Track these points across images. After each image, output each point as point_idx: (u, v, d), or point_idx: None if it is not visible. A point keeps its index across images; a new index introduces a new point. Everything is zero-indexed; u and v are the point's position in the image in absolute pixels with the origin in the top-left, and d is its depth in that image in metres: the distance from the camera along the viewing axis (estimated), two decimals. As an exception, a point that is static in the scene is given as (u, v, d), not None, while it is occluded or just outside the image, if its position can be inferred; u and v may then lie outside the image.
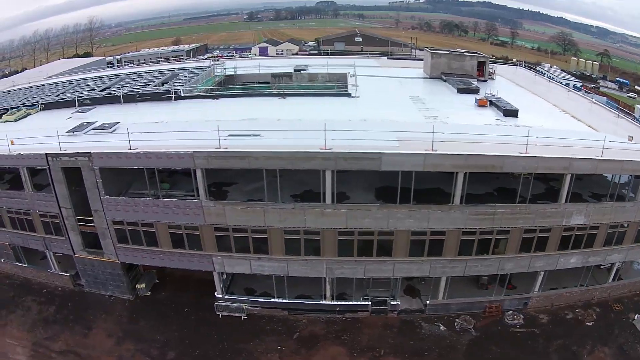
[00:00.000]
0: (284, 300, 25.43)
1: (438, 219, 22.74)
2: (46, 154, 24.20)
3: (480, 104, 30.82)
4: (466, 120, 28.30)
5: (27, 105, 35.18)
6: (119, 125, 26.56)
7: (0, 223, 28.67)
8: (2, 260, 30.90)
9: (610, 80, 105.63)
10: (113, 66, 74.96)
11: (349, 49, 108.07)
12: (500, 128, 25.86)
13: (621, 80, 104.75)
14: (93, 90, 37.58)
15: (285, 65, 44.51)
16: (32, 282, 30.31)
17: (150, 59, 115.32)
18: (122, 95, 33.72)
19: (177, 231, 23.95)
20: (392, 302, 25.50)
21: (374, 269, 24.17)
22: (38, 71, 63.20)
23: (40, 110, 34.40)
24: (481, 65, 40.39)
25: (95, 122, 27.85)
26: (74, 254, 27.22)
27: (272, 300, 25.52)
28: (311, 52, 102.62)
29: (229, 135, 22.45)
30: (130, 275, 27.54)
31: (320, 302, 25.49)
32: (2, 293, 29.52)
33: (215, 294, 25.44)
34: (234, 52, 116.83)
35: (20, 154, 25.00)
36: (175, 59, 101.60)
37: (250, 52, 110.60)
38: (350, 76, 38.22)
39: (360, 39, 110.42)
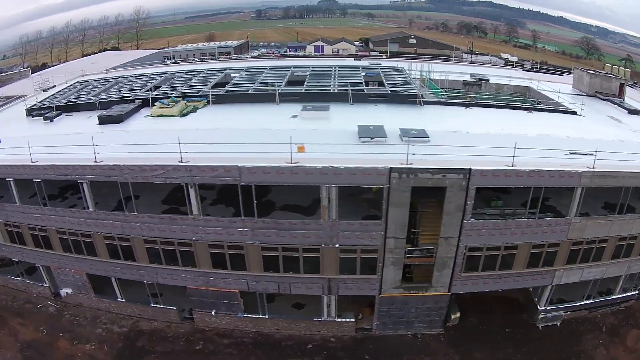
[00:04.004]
0: (590, 301, 26.98)
1: None
2: (391, 168, 20.37)
3: (661, 126, 32.52)
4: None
5: (186, 97, 30.56)
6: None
7: (237, 264, 23.29)
8: (214, 313, 24.82)
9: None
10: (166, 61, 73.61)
11: (403, 50, 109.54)
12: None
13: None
14: (279, 83, 32.97)
15: (455, 71, 43.11)
16: (274, 337, 24.21)
17: (194, 54, 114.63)
18: (351, 93, 30.47)
19: (538, 250, 23.67)
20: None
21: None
22: (90, 62, 59.31)
23: (209, 103, 30.14)
24: (620, 86, 42.55)
25: (379, 127, 24.14)
26: (379, 294, 23.69)
27: (582, 302, 26.83)
28: (372, 52, 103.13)
29: (570, 153, 23.32)
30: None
31: (612, 297, 27.39)
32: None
33: (538, 306, 26.13)
34: (287, 49, 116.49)
35: (334, 167, 20.19)
36: (222, 55, 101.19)
37: (305, 50, 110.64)
38: (538, 90, 39.14)
39: (414, 41, 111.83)
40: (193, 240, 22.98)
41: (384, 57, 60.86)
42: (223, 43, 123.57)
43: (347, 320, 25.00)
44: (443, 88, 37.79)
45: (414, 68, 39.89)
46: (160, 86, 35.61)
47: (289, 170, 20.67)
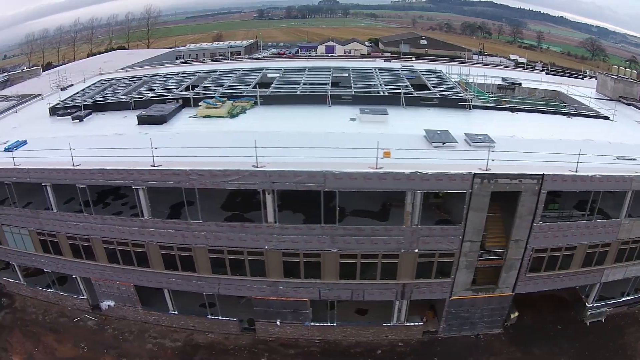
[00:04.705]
0: (629, 298, 28.24)
1: None
2: (475, 174, 20.53)
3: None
4: None
5: (231, 97, 29.75)
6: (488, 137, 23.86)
7: (311, 272, 22.60)
8: (279, 323, 24.19)
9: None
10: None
11: (414, 51, 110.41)
12: None
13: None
14: (324, 84, 32.88)
15: (489, 75, 42.58)
16: (341, 345, 23.63)
17: (204, 54, 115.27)
18: (404, 97, 30.30)
19: (592, 250, 24.65)
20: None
21: None
22: (103, 61, 58.46)
23: (257, 104, 29.44)
24: (641, 90, 43.64)
25: (445, 131, 24.15)
26: (450, 297, 23.85)
27: (623, 299, 28.08)
28: (384, 53, 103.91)
29: (618, 159, 24.38)
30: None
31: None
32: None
33: (587, 304, 27.24)
34: (299, 49, 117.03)
35: (422, 172, 20.12)
36: (232, 55, 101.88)
37: (316, 50, 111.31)
38: (568, 94, 40.03)
39: (425, 42, 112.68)
40: (265, 249, 22.23)
41: (413, 59, 61.43)
42: (233, 43, 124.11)
43: (415, 324, 25.18)
44: (489, 92, 38.43)
45: (452, 71, 40.74)
46: (198, 85, 34.92)
47: (377, 176, 20.34)
